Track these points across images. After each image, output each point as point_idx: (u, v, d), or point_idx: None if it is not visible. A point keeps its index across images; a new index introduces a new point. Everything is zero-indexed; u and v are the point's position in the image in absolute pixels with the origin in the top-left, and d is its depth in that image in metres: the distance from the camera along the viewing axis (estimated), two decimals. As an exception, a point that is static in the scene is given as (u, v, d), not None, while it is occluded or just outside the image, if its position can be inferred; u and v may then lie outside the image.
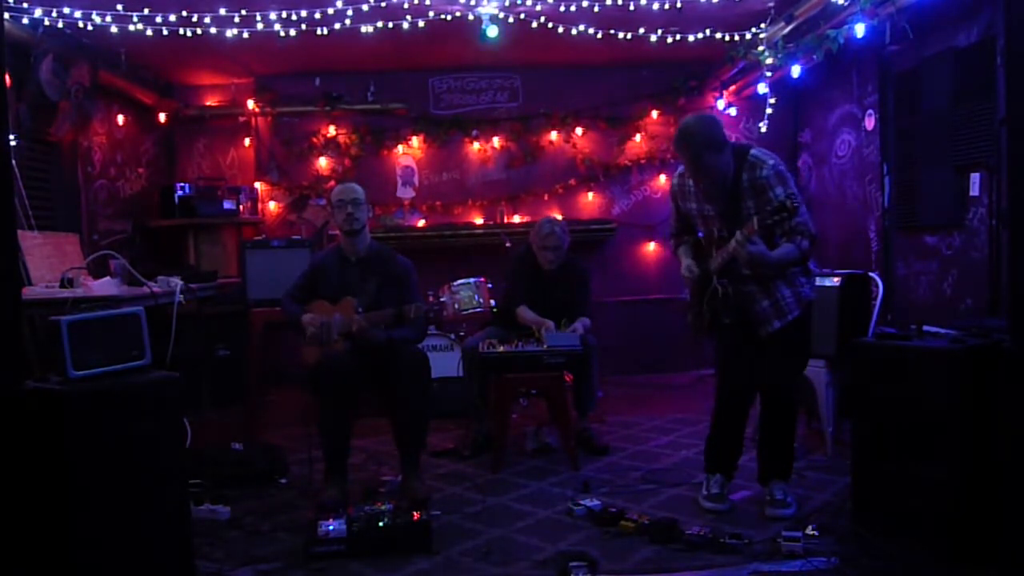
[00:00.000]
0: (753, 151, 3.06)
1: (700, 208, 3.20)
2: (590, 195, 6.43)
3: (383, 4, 4.27)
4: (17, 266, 2.70)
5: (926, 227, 4.57)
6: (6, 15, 3.36)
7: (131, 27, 4.37)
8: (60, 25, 4.25)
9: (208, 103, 6.29)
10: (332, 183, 5.98)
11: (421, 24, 4.53)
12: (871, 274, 4.23)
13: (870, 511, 2.96)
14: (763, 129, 5.72)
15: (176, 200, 5.67)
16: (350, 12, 4.36)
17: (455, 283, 5.16)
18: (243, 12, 4.36)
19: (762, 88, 5.47)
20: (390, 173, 6.37)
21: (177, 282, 3.92)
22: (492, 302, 5.12)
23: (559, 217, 5.42)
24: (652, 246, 6.47)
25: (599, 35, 4.86)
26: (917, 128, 4.61)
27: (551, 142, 6.40)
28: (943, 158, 4.32)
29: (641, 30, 4.90)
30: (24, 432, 2.33)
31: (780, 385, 3.22)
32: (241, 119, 6.25)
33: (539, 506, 3.41)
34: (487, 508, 3.39)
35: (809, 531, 2.85)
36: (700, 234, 3.28)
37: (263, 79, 6.19)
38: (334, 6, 4.31)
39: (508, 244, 5.32)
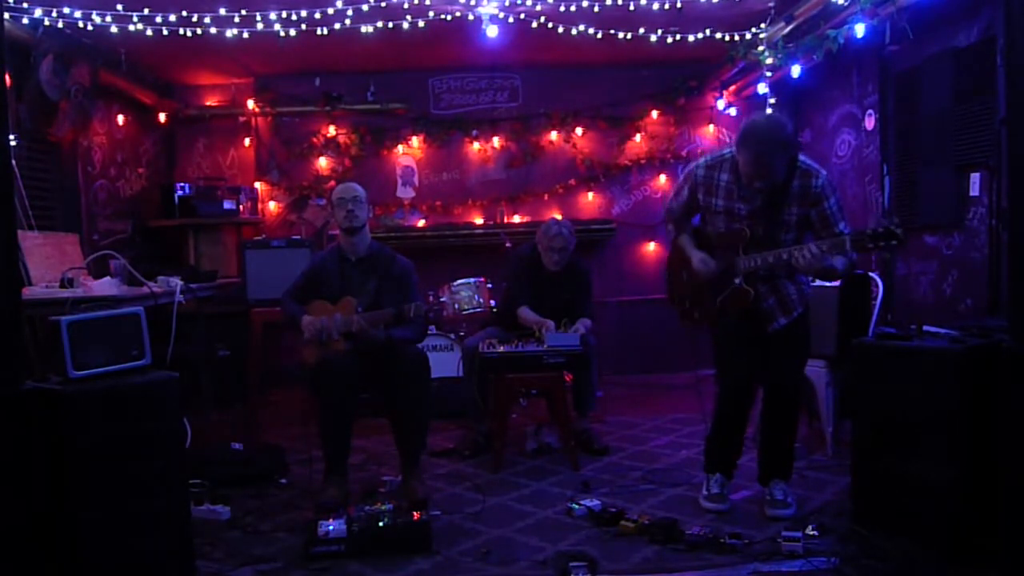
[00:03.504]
0: (802, 157, 3.02)
1: (728, 205, 3.12)
2: (590, 195, 6.43)
3: (383, 4, 4.27)
4: (17, 266, 2.69)
5: (926, 227, 4.57)
6: (6, 15, 3.35)
7: (131, 27, 4.37)
8: (60, 25, 4.25)
9: (208, 103, 6.29)
10: (332, 183, 5.99)
11: (421, 24, 4.53)
12: (871, 274, 4.23)
13: (870, 511, 2.96)
14: (763, 129, 5.71)
15: (176, 200, 5.67)
16: (350, 12, 4.35)
17: (455, 283, 5.17)
18: (243, 12, 4.36)
19: (762, 88, 5.47)
20: (390, 173, 6.37)
21: (177, 282, 3.92)
22: (492, 302, 5.12)
23: (559, 217, 5.41)
24: (652, 246, 6.47)
25: (599, 35, 4.86)
26: (917, 128, 4.61)
27: (551, 142, 6.40)
28: (943, 158, 4.32)
29: (641, 30, 4.89)
30: (24, 432, 2.33)
31: (785, 384, 3.22)
32: (241, 119, 6.26)
33: (539, 506, 3.41)
34: (487, 508, 3.39)
35: (809, 531, 2.85)
36: (716, 227, 3.22)
37: (263, 79, 6.19)
38: (334, 6, 4.30)
39: (508, 244, 5.32)
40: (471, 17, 4.48)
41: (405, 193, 6.39)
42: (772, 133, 2.91)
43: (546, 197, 6.40)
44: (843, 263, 2.98)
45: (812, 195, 2.99)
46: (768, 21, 4.74)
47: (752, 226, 3.07)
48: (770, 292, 3.12)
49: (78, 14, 4.21)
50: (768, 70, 5.05)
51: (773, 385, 3.24)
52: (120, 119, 5.58)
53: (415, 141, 6.33)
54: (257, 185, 6.25)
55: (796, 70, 4.87)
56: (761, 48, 4.87)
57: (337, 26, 4.55)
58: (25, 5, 4.07)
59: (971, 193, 4.16)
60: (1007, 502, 2.47)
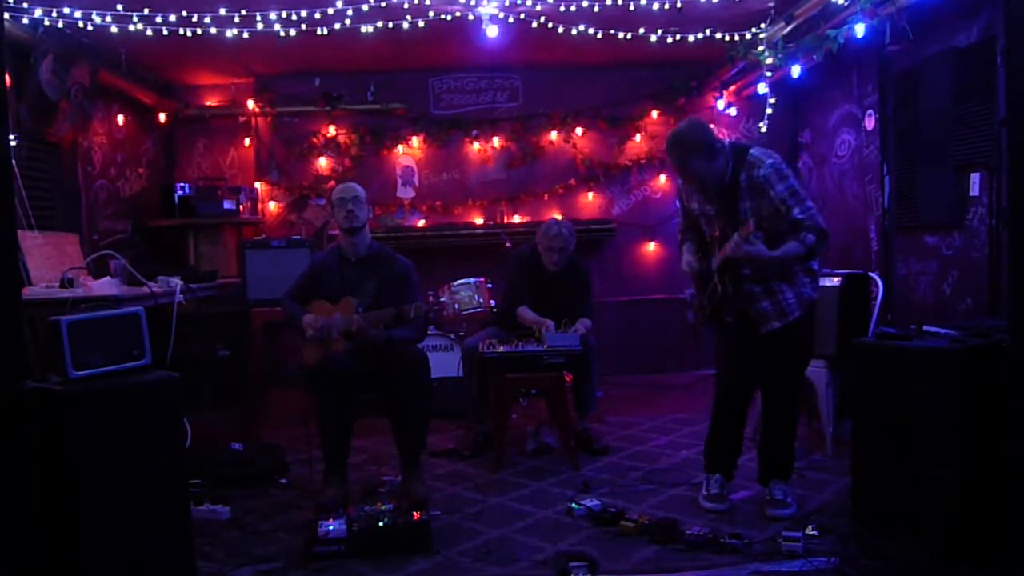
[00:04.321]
0: (752, 150, 3.07)
1: (701, 208, 3.23)
2: (590, 195, 6.43)
3: (383, 4, 4.27)
4: (17, 266, 2.69)
5: (926, 227, 4.57)
6: (6, 15, 3.35)
7: (131, 27, 4.37)
8: (60, 25, 4.25)
9: (208, 103, 6.29)
10: (332, 183, 5.99)
11: (421, 24, 4.53)
12: (871, 274, 4.23)
13: (870, 511, 2.96)
14: (763, 129, 5.72)
15: (176, 200, 5.67)
16: (350, 12, 4.35)
17: (455, 283, 5.17)
18: (243, 12, 4.35)
19: (762, 88, 5.47)
20: (390, 173, 6.37)
21: (177, 282, 3.92)
22: (492, 302, 5.12)
23: (559, 217, 5.41)
24: (652, 246, 6.47)
25: (599, 35, 4.86)
26: (917, 128, 4.61)
27: (551, 142, 6.40)
28: (943, 158, 4.32)
29: (641, 30, 4.89)
30: (24, 432, 2.33)
31: (779, 387, 3.23)
32: (241, 119, 6.25)
33: (539, 506, 3.41)
34: (487, 508, 3.39)
35: (809, 531, 2.85)
36: (706, 232, 3.29)
37: (263, 79, 6.19)
38: (334, 6, 4.30)
39: (508, 244, 5.32)
40: (471, 17, 4.48)
41: (405, 193, 6.39)
42: (681, 139, 3.04)
43: (546, 197, 6.40)
44: (792, 248, 2.97)
45: (757, 185, 3.02)
46: (768, 21, 4.74)
47: (721, 226, 3.13)
48: (765, 295, 3.12)
49: (78, 14, 4.21)
50: (768, 70, 5.05)
51: (769, 387, 3.25)
52: (120, 119, 5.58)
53: (415, 141, 6.33)
54: (257, 185, 6.24)
55: (796, 70, 4.87)
56: (761, 48, 4.87)
57: (337, 26, 4.55)
58: (25, 5, 4.07)
59: (971, 193, 4.16)
60: (1009, 502, 2.46)
